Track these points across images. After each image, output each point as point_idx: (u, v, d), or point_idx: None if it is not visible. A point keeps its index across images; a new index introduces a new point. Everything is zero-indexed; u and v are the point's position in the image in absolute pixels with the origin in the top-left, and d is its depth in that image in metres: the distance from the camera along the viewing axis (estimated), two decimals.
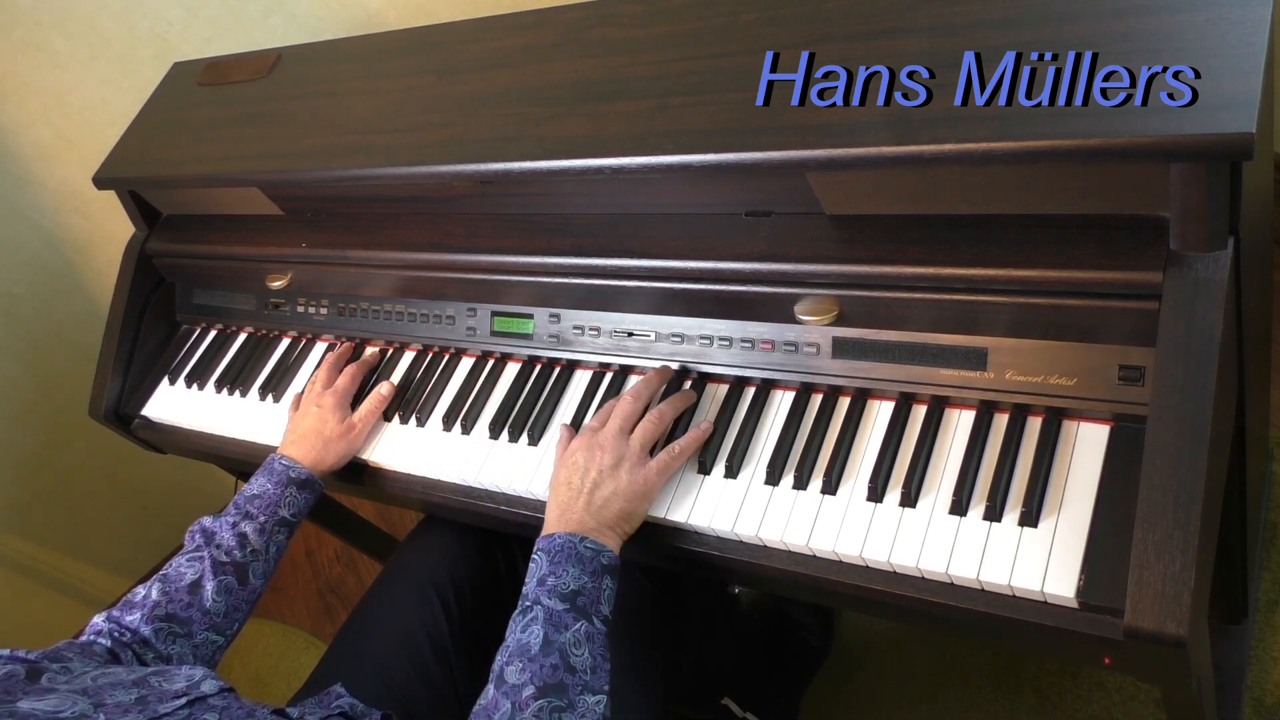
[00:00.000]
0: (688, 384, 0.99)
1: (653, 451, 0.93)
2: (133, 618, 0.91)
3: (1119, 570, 0.71)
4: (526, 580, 0.85)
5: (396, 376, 1.17)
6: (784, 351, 0.93)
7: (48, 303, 1.82)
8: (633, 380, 1.03)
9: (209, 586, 0.95)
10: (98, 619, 0.91)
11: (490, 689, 0.78)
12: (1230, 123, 0.64)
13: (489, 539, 1.17)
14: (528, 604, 0.83)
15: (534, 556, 0.86)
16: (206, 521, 1.01)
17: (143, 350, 1.37)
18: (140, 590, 0.94)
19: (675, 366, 1.00)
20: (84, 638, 0.90)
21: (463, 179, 1.02)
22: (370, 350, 1.21)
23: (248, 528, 1.00)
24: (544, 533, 0.88)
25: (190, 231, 1.34)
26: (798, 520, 0.86)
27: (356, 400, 1.13)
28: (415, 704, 1.02)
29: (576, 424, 1.02)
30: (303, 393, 1.17)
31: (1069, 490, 0.78)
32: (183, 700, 0.75)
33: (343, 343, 1.23)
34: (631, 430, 0.93)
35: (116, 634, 0.90)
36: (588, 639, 0.80)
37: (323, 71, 1.24)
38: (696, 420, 0.96)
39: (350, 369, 1.15)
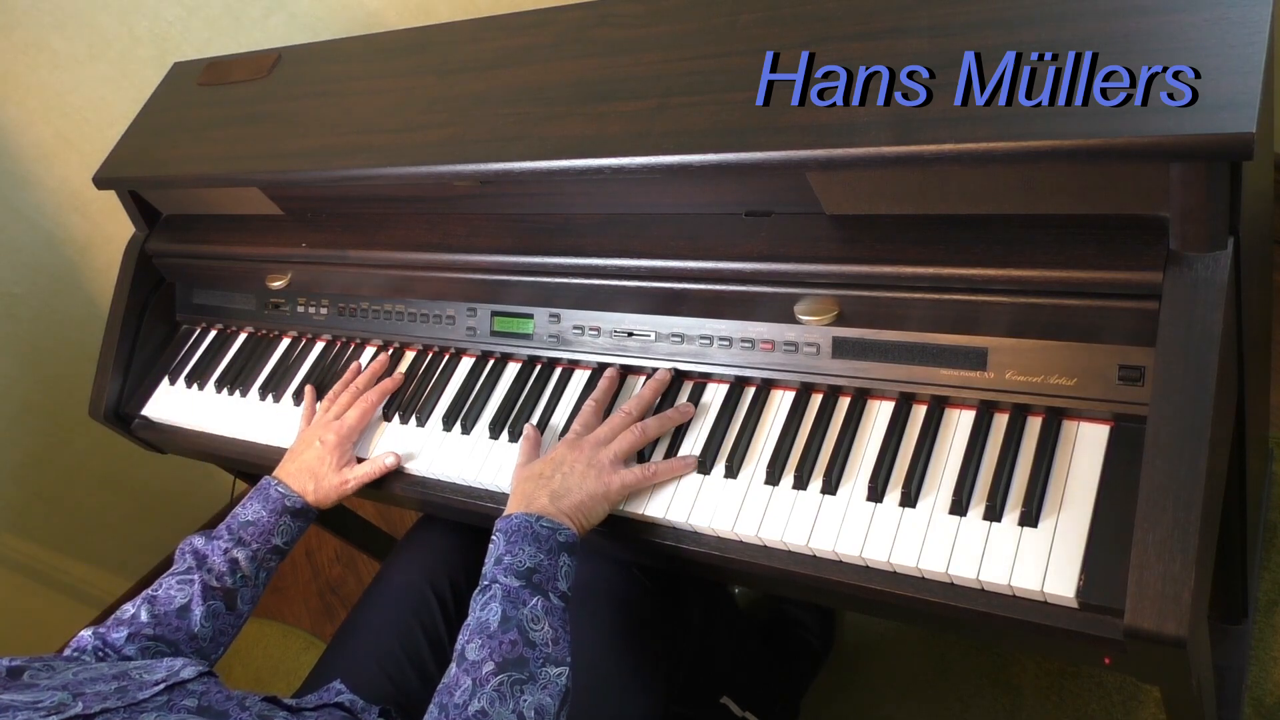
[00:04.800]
0: (684, 395, 0.99)
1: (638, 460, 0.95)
2: (119, 636, 0.91)
3: (1119, 570, 0.71)
4: (485, 561, 0.86)
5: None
6: (784, 351, 0.93)
7: (48, 303, 1.82)
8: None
9: (197, 612, 0.95)
10: (85, 634, 0.91)
11: (452, 667, 0.79)
12: (1230, 123, 0.64)
13: (485, 536, 1.16)
14: (486, 583, 0.84)
15: (493, 537, 0.87)
16: (198, 543, 1.00)
17: (143, 350, 1.37)
18: (129, 609, 0.94)
19: (680, 368, 1.00)
20: (68, 652, 0.90)
21: (463, 179, 1.02)
22: (399, 373, 1.17)
23: (240, 554, 0.99)
24: (503, 516, 0.89)
25: (190, 231, 1.34)
26: (798, 520, 0.86)
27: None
28: (413, 701, 1.02)
29: None
30: (321, 395, 1.17)
31: (1069, 490, 0.78)
32: (161, 686, 0.76)
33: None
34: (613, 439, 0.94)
35: (101, 652, 0.90)
36: (546, 614, 0.81)
37: (323, 71, 1.24)
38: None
39: (363, 404, 1.11)
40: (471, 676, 0.76)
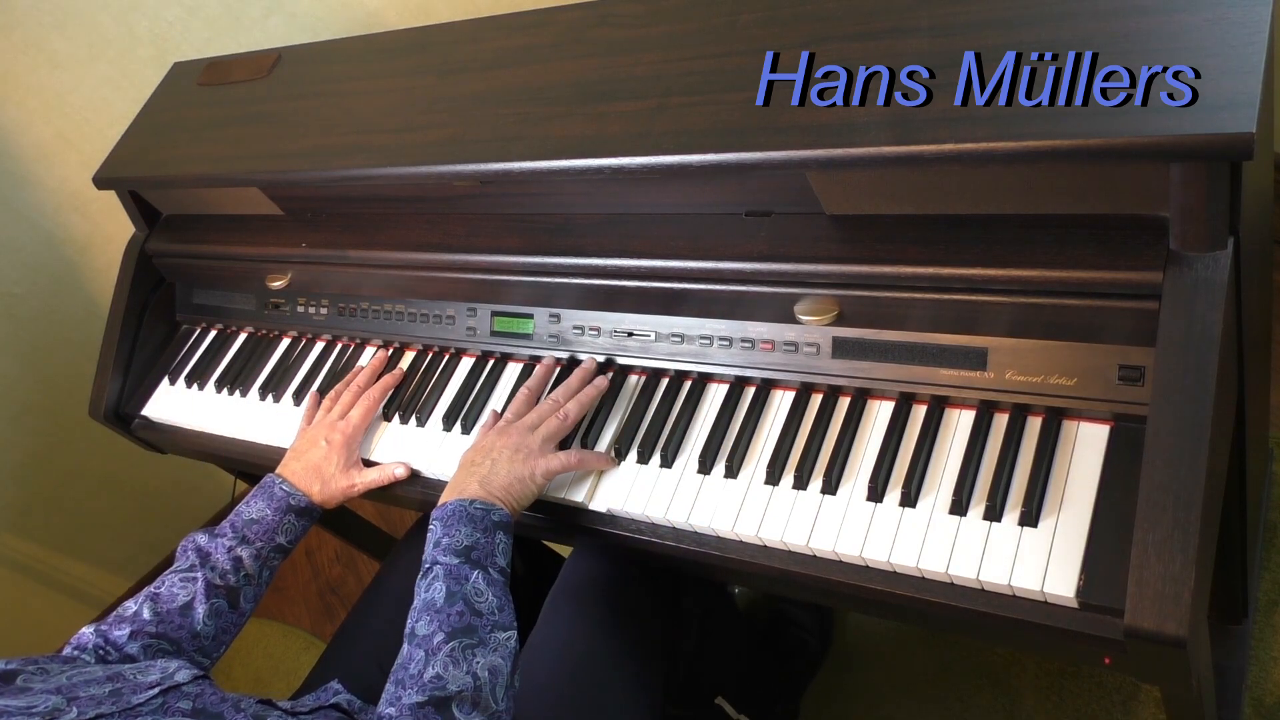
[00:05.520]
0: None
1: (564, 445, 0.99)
2: (121, 634, 0.90)
3: (1119, 570, 0.71)
4: (425, 548, 0.88)
5: None
6: (784, 351, 0.93)
7: (48, 303, 1.82)
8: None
9: (200, 610, 0.94)
10: (86, 631, 0.90)
11: (404, 646, 0.81)
12: (1230, 123, 0.64)
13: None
14: (427, 565, 0.86)
15: (430, 526, 0.90)
16: (201, 540, 0.99)
17: (143, 350, 1.37)
18: (131, 605, 0.93)
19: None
20: (68, 650, 0.90)
21: (463, 179, 1.02)
22: (399, 368, 1.17)
23: (243, 552, 0.98)
24: (438, 505, 0.91)
25: (190, 231, 1.34)
26: (797, 520, 0.86)
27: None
28: None
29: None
30: (324, 397, 1.16)
31: (1069, 490, 0.78)
32: (156, 690, 0.75)
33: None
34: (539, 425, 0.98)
35: (102, 650, 0.89)
36: (488, 585, 0.84)
37: (323, 71, 1.24)
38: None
39: (365, 402, 1.11)
40: (424, 649, 0.79)
